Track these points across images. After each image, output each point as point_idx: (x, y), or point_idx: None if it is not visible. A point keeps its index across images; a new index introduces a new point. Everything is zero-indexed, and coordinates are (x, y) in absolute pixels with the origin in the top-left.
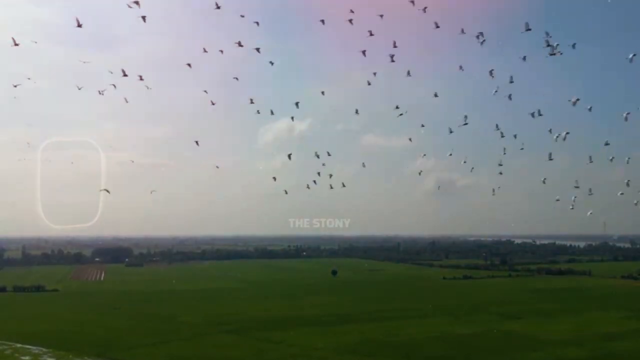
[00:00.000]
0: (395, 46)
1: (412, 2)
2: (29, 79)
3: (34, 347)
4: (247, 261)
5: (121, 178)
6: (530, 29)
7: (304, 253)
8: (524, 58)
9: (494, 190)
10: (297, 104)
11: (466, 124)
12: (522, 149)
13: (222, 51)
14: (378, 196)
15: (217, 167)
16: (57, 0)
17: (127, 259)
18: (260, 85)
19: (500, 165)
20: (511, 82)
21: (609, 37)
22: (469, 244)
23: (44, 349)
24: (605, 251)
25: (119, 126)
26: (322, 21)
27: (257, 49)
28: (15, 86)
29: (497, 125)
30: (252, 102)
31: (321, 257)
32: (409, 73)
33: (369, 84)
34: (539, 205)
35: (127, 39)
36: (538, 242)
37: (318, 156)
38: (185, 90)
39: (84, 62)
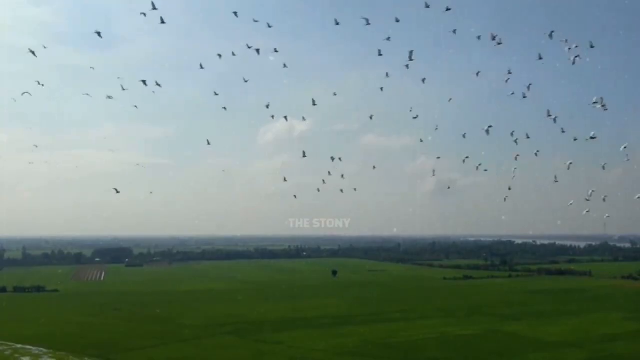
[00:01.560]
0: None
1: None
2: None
3: (34, 348)
4: (247, 261)
5: (121, 178)
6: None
7: (304, 253)
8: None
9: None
10: (313, 100)
11: (491, 127)
12: (537, 152)
13: (220, 55)
14: (378, 196)
15: (223, 170)
16: (57, 0)
17: (127, 259)
18: (260, 86)
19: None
20: (530, 86)
21: (609, 37)
22: (469, 244)
23: (44, 350)
24: (605, 251)
25: (119, 126)
26: (337, 22)
27: (257, 50)
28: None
29: (512, 133)
30: (267, 107)
31: (321, 257)
32: (423, 81)
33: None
34: (539, 205)
35: (128, 39)
36: (538, 243)
37: (333, 159)
38: (186, 90)
39: (91, 68)
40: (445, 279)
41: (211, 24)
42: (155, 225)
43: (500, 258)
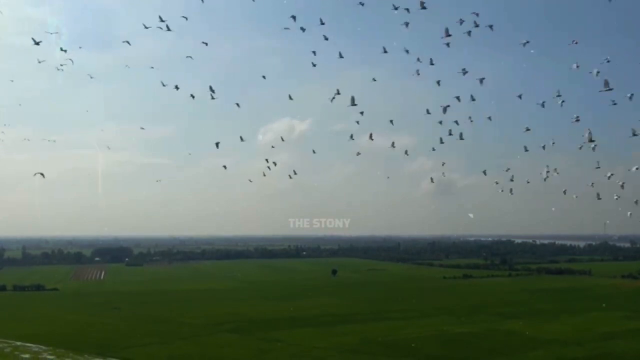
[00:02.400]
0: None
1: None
2: None
3: (34, 345)
4: (247, 261)
5: (121, 178)
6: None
7: (304, 253)
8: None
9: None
10: (289, 95)
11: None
12: (461, 138)
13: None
14: (378, 196)
15: (225, 167)
16: (57, 0)
17: (127, 259)
18: (259, 85)
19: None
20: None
21: (608, 37)
22: (469, 244)
23: (44, 347)
24: (605, 251)
25: (119, 126)
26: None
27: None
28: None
29: (440, 122)
30: (238, 105)
31: (321, 257)
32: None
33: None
34: (539, 205)
35: (127, 39)
36: (538, 242)
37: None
38: (185, 91)
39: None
40: (445, 278)
41: (211, 24)
42: (155, 225)
43: (500, 257)
